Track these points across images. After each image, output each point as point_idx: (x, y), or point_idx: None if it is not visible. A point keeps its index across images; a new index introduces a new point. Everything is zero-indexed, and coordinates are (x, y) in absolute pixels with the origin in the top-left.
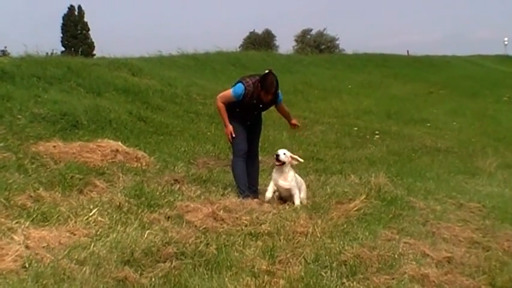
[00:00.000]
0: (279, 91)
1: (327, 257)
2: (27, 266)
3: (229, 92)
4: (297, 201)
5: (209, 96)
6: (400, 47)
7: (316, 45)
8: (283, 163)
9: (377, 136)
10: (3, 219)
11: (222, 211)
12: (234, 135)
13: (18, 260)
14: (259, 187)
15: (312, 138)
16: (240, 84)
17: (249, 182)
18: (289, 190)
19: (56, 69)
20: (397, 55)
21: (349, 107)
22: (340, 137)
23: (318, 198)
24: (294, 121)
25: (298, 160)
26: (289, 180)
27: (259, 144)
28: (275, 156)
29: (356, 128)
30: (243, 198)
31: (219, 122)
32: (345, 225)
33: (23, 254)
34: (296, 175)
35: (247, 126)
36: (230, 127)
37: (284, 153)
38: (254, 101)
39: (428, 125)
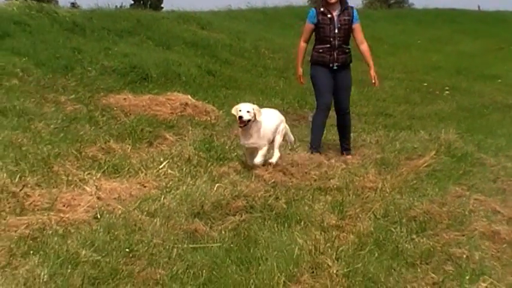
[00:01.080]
0: (354, 8)
1: (396, 213)
2: (99, 216)
3: (306, 22)
4: (258, 159)
5: (277, 51)
6: (470, 1)
7: (385, 0)
8: (248, 121)
9: (447, 92)
10: (75, 171)
11: (290, 165)
12: (316, 87)
13: (90, 210)
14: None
15: (380, 94)
16: None
17: (340, 141)
18: (257, 149)
19: (125, 22)
20: (467, 10)
21: (418, 63)
22: (409, 92)
23: (387, 153)
24: (372, 71)
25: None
26: (256, 138)
27: (348, 99)
28: (237, 118)
29: (425, 84)
30: (312, 152)
31: (288, 77)
32: (415, 181)
33: (94, 205)
34: (270, 124)
35: (333, 72)
36: (300, 71)
37: (248, 111)
38: (328, 15)
39: (499, 81)
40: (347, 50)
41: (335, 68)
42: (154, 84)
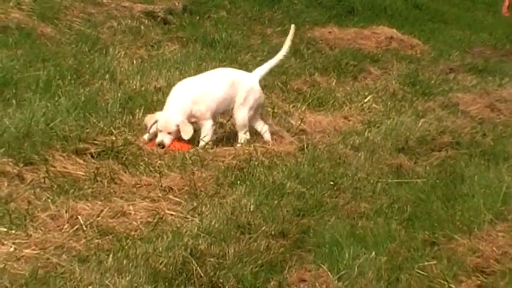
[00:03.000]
0: None
1: None
2: (304, 149)
3: None
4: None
5: None
6: None
7: None
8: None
9: None
10: (280, 103)
11: (499, 102)
12: None
13: (295, 142)
14: None
15: None
16: None
17: None
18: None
19: None
20: None
21: None
22: None
23: None
24: None
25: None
26: None
27: None
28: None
29: None
30: None
31: (497, 10)
32: None
33: (300, 137)
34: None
35: None
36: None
37: (169, 132)
38: None
39: None
40: None
41: None
42: (359, 18)
